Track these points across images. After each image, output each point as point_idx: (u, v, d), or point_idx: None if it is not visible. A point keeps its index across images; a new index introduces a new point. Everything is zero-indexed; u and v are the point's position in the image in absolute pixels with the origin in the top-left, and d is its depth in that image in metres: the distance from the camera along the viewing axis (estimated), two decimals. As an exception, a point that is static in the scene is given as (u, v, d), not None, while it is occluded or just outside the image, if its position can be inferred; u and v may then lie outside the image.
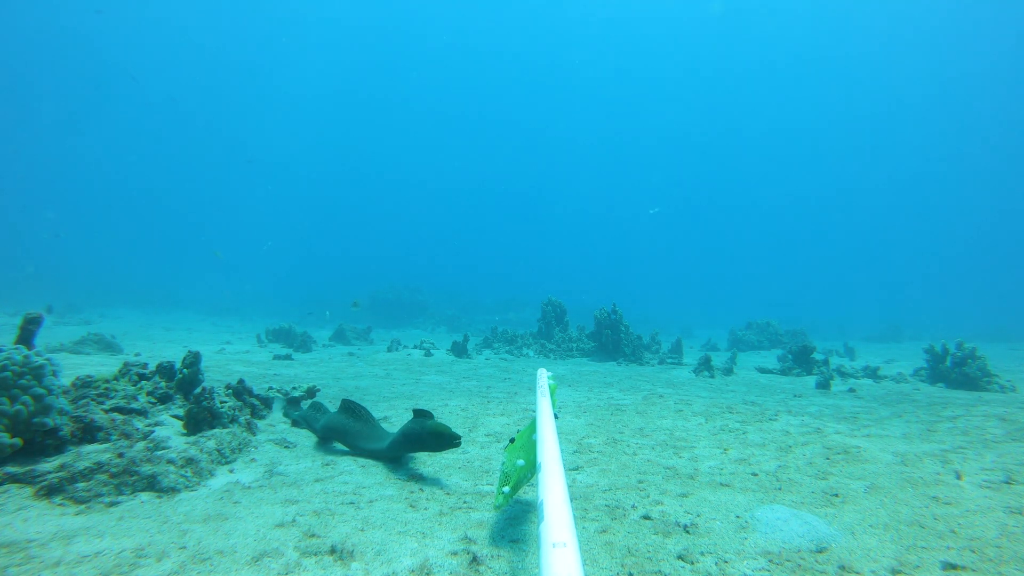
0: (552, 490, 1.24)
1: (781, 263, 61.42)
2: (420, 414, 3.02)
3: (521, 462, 2.19)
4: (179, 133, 61.52)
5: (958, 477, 2.90)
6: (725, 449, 3.56)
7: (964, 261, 57.84)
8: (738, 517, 2.34)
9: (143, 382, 3.64)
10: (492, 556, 1.93)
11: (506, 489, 2.15)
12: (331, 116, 67.19)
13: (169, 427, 3.14)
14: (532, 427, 2.39)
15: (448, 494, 2.63)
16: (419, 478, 2.88)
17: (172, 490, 2.46)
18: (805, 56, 58.42)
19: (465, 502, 2.52)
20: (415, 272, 36.84)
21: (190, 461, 2.67)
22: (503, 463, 2.25)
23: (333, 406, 4.75)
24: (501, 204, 76.70)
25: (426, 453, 3.22)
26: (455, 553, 1.95)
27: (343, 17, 58.36)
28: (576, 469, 3.07)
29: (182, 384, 3.68)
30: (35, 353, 2.65)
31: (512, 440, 2.35)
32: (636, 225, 73.17)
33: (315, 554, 1.90)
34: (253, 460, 3.05)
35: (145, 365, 3.86)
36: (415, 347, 11.10)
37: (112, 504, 2.28)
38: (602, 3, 57.91)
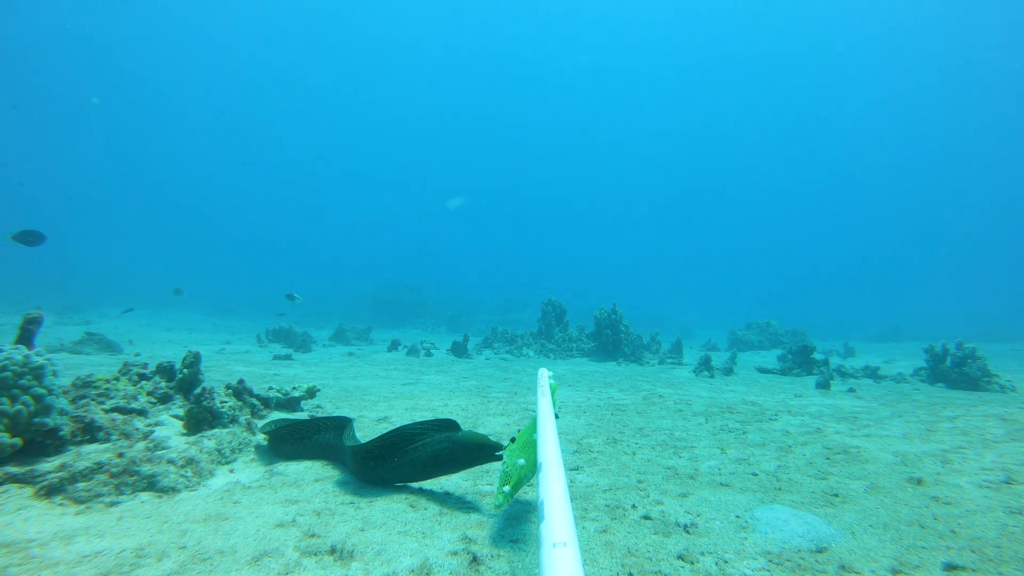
0: (552, 490, 1.24)
1: (781, 263, 61.43)
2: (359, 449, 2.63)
3: (522, 462, 2.19)
4: (180, 132, 61.53)
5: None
6: (724, 449, 3.56)
7: (964, 261, 57.86)
8: (738, 517, 2.33)
9: (143, 382, 3.64)
10: (492, 556, 1.93)
11: (506, 489, 2.15)
12: (331, 114, 67.18)
13: (169, 427, 3.14)
14: (533, 426, 2.39)
15: (448, 494, 2.63)
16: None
17: (172, 490, 2.46)
18: (805, 55, 58.39)
19: (465, 502, 2.52)
20: (415, 272, 36.87)
21: (190, 461, 2.67)
22: (503, 463, 2.25)
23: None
24: (501, 204, 76.71)
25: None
26: (455, 553, 1.95)
27: (344, 15, 58.34)
28: (576, 469, 3.07)
29: (182, 384, 3.68)
30: (35, 353, 2.65)
31: (512, 440, 2.34)
32: (636, 225, 73.17)
33: (315, 554, 1.89)
34: (253, 460, 3.05)
35: (145, 365, 3.86)
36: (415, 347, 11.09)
37: (112, 504, 2.28)
38: (601, 1, 57.86)
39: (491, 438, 2.52)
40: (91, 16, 49.55)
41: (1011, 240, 58.03)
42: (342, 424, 3.12)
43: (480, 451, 2.47)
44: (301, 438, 3.15)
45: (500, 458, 2.39)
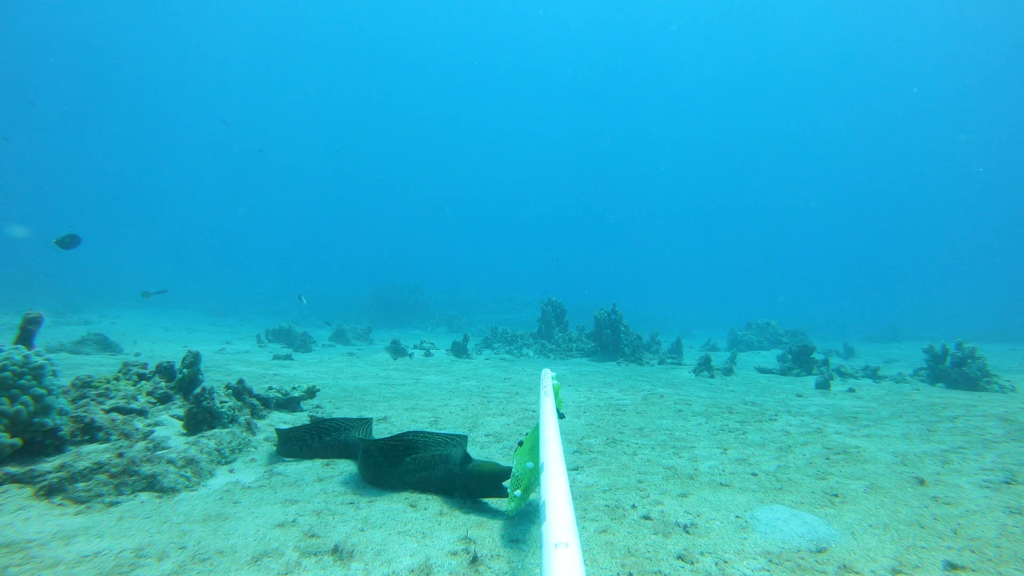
0: (554, 490, 1.24)
1: (781, 263, 61.44)
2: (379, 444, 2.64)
3: (530, 465, 2.20)
4: (180, 133, 61.56)
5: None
6: (724, 449, 3.56)
7: (963, 261, 57.87)
8: (738, 517, 2.33)
9: (143, 382, 3.64)
10: (492, 556, 1.93)
11: (518, 493, 2.15)
12: (333, 116, 67.23)
13: (169, 427, 3.14)
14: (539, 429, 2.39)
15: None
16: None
17: (172, 490, 2.46)
18: (803, 56, 58.40)
19: (465, 502, 2.52)
20: (415, 272, 36.88)
21: (190, 461, 2.66)
22: (514, 467, 2.25)
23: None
24: (501, 204, 76.76)
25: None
26: (455, 553, 1.95)
27: (347, 19, 58.43)
28: (576, 469, 3.06)
29: (182, 384, 3.68)
30: (35, 353, 2.65)
31: (520, 443, 2.35)
32: (636, 225, 73.22)
33: (315, 554, 1.89)
34: (253, 460, 3.05)
35: (145, 365, 3.86)
36: (415, 347, 11.10)
37: (112, 504, 2.28)
38: (603, 2, 57.88)
39: (502, 463, 2.48)
40: (94, 15, 49.59)
41: (1011, 240, 58.03)
42: (359, 424, 3.21)
43: (492, 480, 2.45)
44: (314, 438, 3.20)
45: (506, 493, 2.37)
